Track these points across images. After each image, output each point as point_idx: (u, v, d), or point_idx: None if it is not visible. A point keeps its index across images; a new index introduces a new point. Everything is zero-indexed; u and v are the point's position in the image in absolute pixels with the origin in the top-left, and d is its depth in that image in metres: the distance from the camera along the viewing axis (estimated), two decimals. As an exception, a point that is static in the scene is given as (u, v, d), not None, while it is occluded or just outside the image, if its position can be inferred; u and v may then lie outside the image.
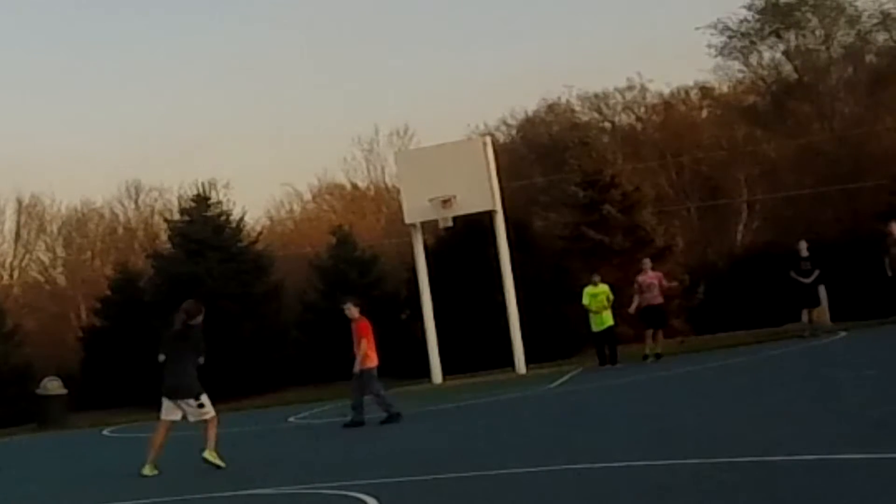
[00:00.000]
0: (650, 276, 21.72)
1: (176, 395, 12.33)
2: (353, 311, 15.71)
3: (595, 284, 22.25)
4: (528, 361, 24.02)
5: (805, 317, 22.15)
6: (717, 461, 8.06)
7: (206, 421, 12.14)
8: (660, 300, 21.60)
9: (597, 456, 9.29)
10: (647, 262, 22.42)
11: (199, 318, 12.41)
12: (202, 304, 12.73)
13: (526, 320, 24.33)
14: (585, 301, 22.21)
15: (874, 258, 24.60)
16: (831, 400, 11.30)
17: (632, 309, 21.87)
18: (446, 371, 24.38)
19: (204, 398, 12.17)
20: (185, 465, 14.07)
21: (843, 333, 21.51)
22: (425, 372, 24.57)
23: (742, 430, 9.79)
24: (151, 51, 63.87)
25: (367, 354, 15.48)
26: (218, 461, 11.84)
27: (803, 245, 22.55)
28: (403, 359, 26.58)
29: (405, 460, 10.91)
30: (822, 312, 23.62)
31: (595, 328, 22.06)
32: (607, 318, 21.95)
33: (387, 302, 29.72)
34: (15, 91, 61.27)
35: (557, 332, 26.34)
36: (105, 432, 23.02)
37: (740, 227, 35.03)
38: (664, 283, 21.91)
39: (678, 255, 30.02)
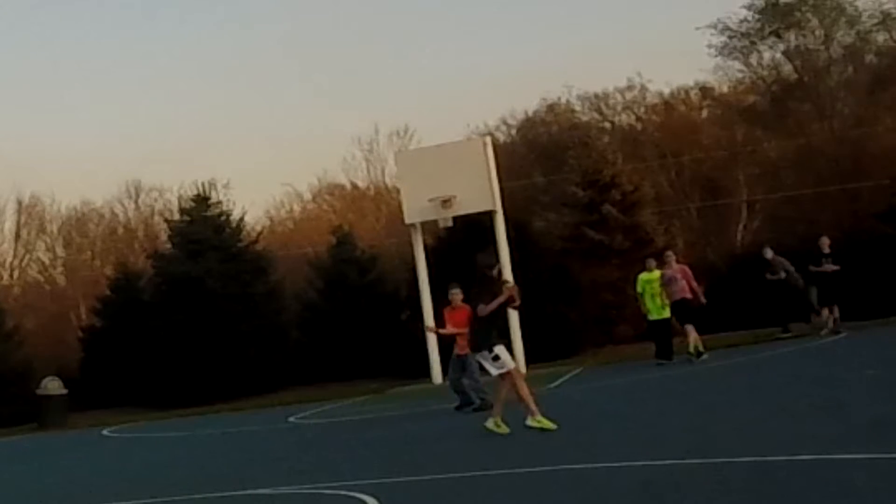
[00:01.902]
0: (672, 270, 20.74)
1: (475, 351, 12.13)
2: (457, 297, 15.66)
3: (650, 270, 21.06)
4: (528, 361, 24.00)
5: (825, 314, 22.00)
6: (717, 461, 8.07)
7: (504, 377, 11.74)
8: (686, 294, 20.32)
9: (596, 456, 9.30)
10: (669, 255, 21.41)
11: (496, 269, 12.25)
12: (493, 255, 12.47)
13: (526, 320, 24.31)
14: (640, 288, 21.06)
15: (871, 260, 24.68)
16: (831, 399, 11.31)
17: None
18: (446, 371, 24.35)
19: (498, 350, 11.76)
20: (185, 465, 14.10)
21: (843, 333, 21.51)
22: (425, 372, 24.56)
23: (741, 430, 9.79)
24: (151, 51, 63.89)
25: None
26: (499, 429, 11.49)
27: (825, 241, 22.20)
28: (403, 359, 26.60)
29: (405, 460, 10.92)
30: (822, 313, 23.61)
31: (653, 316, 20.75)
32: (666, 307, 20.66)
33: (387, 302, 29.73)
34: (15, 91, 61.28)
35: (557, 332, 26.33)
36: (105, 432, 23.04)
37: (740, 227, 34.99)
38: (688, 275, 20.63)
39: (678, 255, 29.98)
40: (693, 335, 20.16)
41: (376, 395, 23.96)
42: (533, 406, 11.56)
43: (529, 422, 11.49)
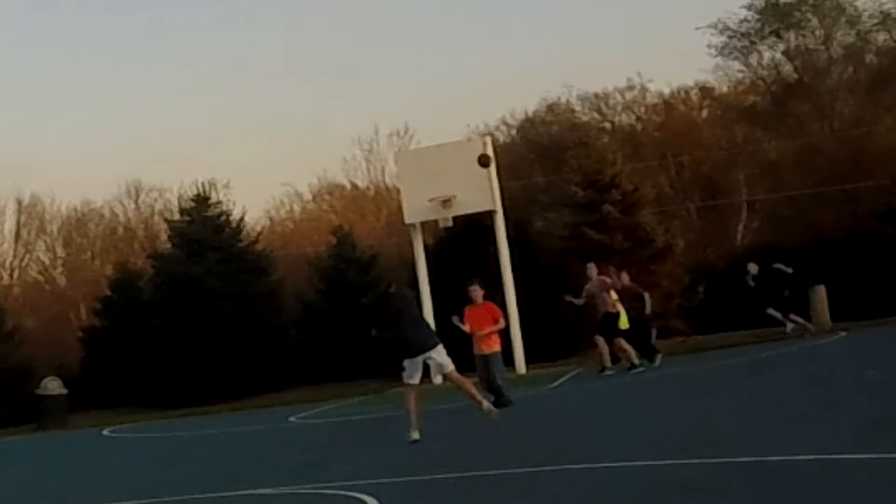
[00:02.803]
0: (594, 282, 19.97)
1: (423, 351, 12.51)
2: (478, 293, 15.70)
3: None
4: (528, 361, 24.00)
5: (789, 322, 22.09)
6: (717, 461, 8.07)
7: (453, 377, 12.36)
8: (609, 308, 19.52)
9: (597, 456, 9.29)
10: (589, 268, 20.36)
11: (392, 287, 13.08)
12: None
13: (526, 320, 24.32)
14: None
15: (871, 260, 24.64)
16: (831, 399, 11.31)
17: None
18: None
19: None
20: (185, 465, 14.10)
21: (843, 333, 21.50)
22: (425, 372, 24.51)
23: (741, 430, 9.79)
24: (151, 51, 63.89)
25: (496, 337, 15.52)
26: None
27: (753, 267, 22.12)
28: (403, 359, 26.56)
29: (405, 460, 10.91)
30: (823, 313, 23.64)
31: (622, 325, 19.96)
32: (624, 318, 19.99)
33: (387, 302, 29.72)
34: (15, 91, 61.30)
35: (557, 332, 26.32)
36: (105, 432, 23.03)
37: (740, 227, 35.03)
38: (606, 286, 19.75)
39: (678, 255, 30.00)
40: (605, 350, 19.58)
41: (376, 395, 23.96)
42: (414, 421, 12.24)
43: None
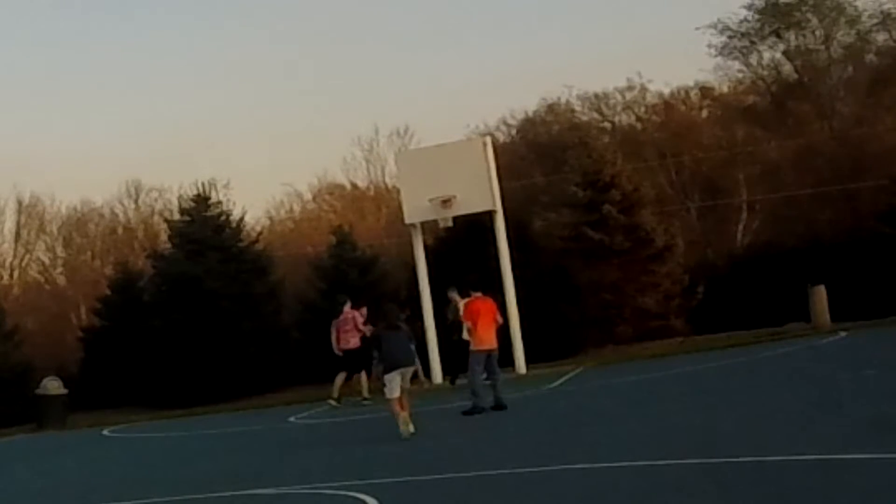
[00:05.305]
0: (345, 316, 21.46)
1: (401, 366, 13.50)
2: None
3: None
4: (528, 361, 23.99)
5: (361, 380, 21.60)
6: (717, 461, 8.07)
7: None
8: (350, 346, 21.15)
9: (597, 456, 9.30)
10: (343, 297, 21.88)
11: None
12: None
13: (526, 320, 24.31)
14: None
15: (871, 260, 24.62)
16: (831, 400, 11.32)
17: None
18: (447, 371, 24.39)
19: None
20: (185, 465, 14.10)
21: (843, 333, 21.50)
22: (425, 372, 24.55)
23: (742, 430, 9.80)
24: (152, 51, 63.77)
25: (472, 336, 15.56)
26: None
27: (363, 311, 21.85)
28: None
29: (405, 460, 10.92)
30: (823, 313, 23.63)
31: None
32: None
33: (387, 302, 29.71)
34: (15, 91, 61.23)
35: (557, 332, 26.32)
36: (105, 432, 23.03)
37: (740, 227, 34.98)
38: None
39: (678, 255, 29.98)
40: (339, 382, 21.00)
41: (376, 395, 23.94)
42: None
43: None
